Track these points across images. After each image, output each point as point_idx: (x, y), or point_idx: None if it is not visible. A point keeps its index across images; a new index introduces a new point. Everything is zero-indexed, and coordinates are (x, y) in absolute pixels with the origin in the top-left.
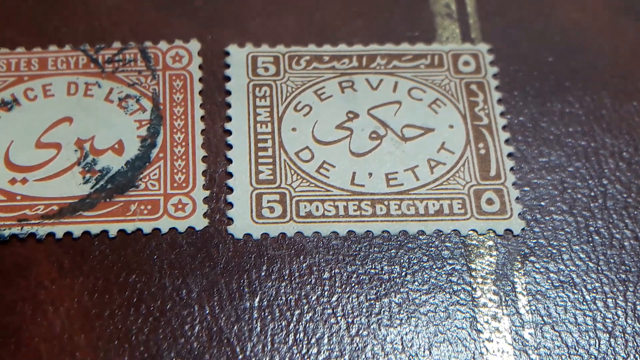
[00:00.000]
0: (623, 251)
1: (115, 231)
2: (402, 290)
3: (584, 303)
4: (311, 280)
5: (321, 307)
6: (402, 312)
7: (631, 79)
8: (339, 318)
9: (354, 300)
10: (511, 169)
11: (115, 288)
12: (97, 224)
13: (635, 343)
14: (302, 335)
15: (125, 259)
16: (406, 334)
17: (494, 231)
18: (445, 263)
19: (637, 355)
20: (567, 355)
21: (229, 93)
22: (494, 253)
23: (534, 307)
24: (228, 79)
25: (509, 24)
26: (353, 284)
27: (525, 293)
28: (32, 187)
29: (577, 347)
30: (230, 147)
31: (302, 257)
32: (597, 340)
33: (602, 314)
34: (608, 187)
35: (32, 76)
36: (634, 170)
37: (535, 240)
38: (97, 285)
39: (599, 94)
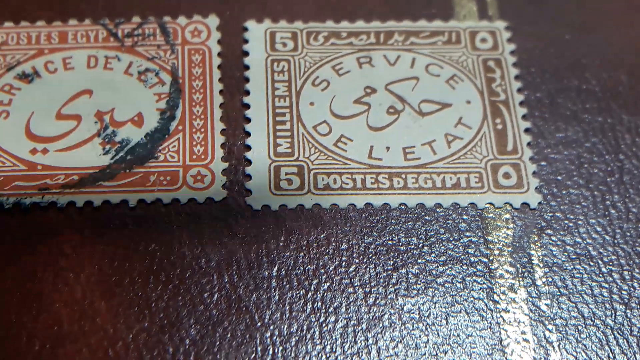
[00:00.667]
0: (639, 224)
1: (135, 201)
2: (419, 261)
3: (600, 275)
4: (329, 251)
5: (339, 277)
6: (419, 282)
7: None
8: (357, 288)
9: (371, 271)
10: (528, 144)
11: (135, 256)
12: (117, 193)
13: None
14: (319, 304)
15: (145, 228)
16: (423, 304)
17: (510, 204)
18: (462, 235)
19: None
20: (584, 325)
21: (247, 68)
22: (511, 226)
23: (550, 279)
24: (246, 54)
25: (526, 1)
26: (370, 255)
27: (541, 265)
28: (53, 157)
29: (593, 318)
30: (248, 120)
31: (319, 228)
32: (613, 312)
33: (618, 286)
34: (624, 162)
35: (53, 49)
36: None
37: (551, 214)
38: (117, 253)
39: (615, 70)
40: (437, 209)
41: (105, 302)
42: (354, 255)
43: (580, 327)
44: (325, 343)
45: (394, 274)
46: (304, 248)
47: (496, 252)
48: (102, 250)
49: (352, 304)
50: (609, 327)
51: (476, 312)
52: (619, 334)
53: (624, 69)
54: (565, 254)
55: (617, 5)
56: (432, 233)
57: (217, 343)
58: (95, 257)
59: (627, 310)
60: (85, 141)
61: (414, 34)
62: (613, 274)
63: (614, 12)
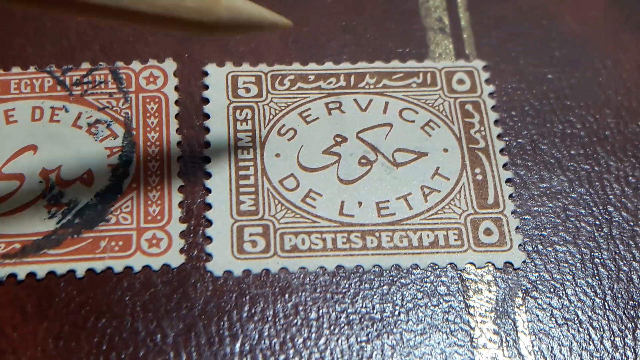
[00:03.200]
0: (631, 285)
1: (83, 271)
2: (395, 330)
3: (591, 343)
4: (297, 322)
5: (308, 351)
6: (395, 355)
7: (636, 96)
8: None
9: (343, 343)
10: (510, 195)
11: (83, 334)
12: (64, 262)
13: None
14: None
15: (94, 301)
16: None
17: (492, 264)
18: (441, 300)
19: None
20: None
21: (207, 116)
22: (493, 288)
23: (537, 348)
24: (207, 101)
25: (505, 38)
26: (342, 325)
27: (527, 332)
28: None
29: None
30: (209, 175)
31: (287, 295)
32: None
33: (610, 355)
34: (614, 214)
35: None
36: None
37: (537, 274)
38: (63, 331)
39: (602, 112)
40: (414, 271)
41: None
42: (325, 326)
43: None
44: None
45: (368, 345)
46: (269, 319)
47: (478, 318)
48: (46, 328)
49: None
50: None
51: None
52: None
53: (612, 111)
54: (553, 319)
55: (604, 41)
56: (409, 298)
57: None
58: (39, 337)
59: None
60: (29, 204)
61: (387, 76)
62: (604, 341)
63: (600, 48)
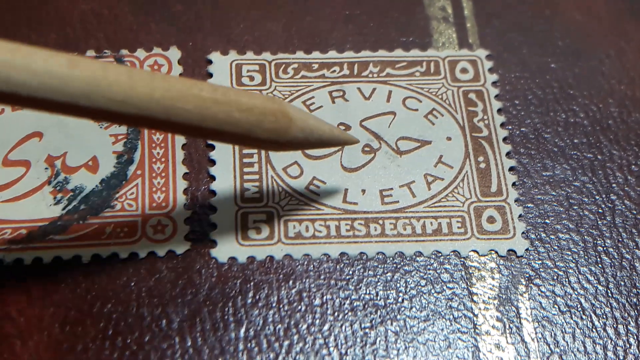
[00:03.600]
0: (634, 272)
1: (89, 256)
2: (398, 317)
3: (594, 330)
4: (301, 308)
5: (312, 337)
6: (399, 341)
7: (639, 85)
8: (332, 349)
9: (347, 329)
10: (513, 184)
11: (88, 319)
12: (69, 248)
13: None
14: None
15: (100, 286)
16: None
17: (496, 252)
18: (444, 287)
19: None
20: None
21: None
22: (497, 276)
23: (539, 335)
24: None
25: (509, 27)
26: (346, 311)
27: (530, 319)
28: None
29: None
30: (213, 162)
31: (291, 282)
32: None
33: (613, 342)
34: (616, 202)
35: None
36: None
37: (540, 262)
38: (68, 316)
39: (605, 102)
40: (418, 258)
41: None
42: (329, 312)
43: None
44: None
45: (372, 332)
46: (274, 305)
47: (481, 305)
48: (52, 313)
49: None
50: None
51: None
52: None
53: (615, 100)
54: (556, 306)
55: (607, 31)
56: (413, 285)
57: None
58: (45, 321)
59: None
60: (35, 190)
61: (390, 65)
62: (607, 328)
63: (603, 38)
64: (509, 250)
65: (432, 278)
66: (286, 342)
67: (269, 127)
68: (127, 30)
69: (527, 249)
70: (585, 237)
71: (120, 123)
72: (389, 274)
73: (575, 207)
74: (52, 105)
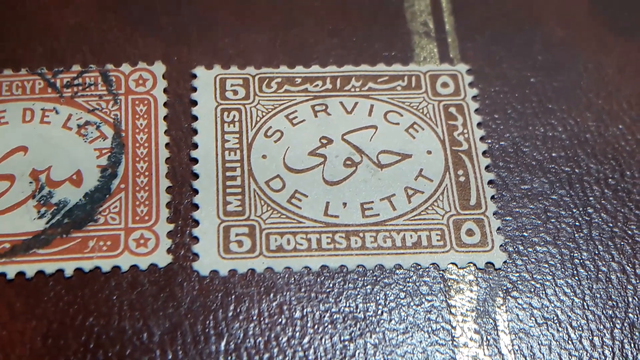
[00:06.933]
0: (610, 285)
1: (71, 270)
2: (378, 330)
3: (570, 342)
4: (282, 321)
5: (292, 350)
6: (378, 353)
7: (617, 100)
8: None
9: (327, 342)
10: (492, 197)
11: (70, 332)
12: (52, 262)
13: None
14: None
15: (82, 300)
16: None
17: (474, 264)
18: (423, 299)
19: None
20: None
21: (195, 118)
22: (475, 288)
23: (517, 347)
24: (195, 103)
25: (489, 42)
26: (326, 324)
27: (507, 331)
28: None
29: None
30: (196, 176)
31: (272, 295)
32: None
33: (588, 354)
34: (593, 216)
35: None
36: (620, 198)
37: (517, 274)
38: (51, 330)
39: (583, 116)
40: (397, 271)
41: None
42: (309, 325)
43: None
44: None
45: (351, 344)
46: (254, 318)
47: (459, 317)
48: (34, 326)
49: None
50: None
51: None
52: None
53: (592, 114)
54: (533, 318)
55: (586, 45)
56: (392, 297)
57: None
58: (27, 335)
59: None
60: (19, 204)
61: (372, 79)
62: (583, 340)
63: (582, 51)
64: (487, 263)
65: (411, 291)
66: (266, 355)
67: None
68: (113, 44)
69: (505, 262)
70: (562, 249)
71: None
72: (368, 286)
73: (552, 220)
74: None
